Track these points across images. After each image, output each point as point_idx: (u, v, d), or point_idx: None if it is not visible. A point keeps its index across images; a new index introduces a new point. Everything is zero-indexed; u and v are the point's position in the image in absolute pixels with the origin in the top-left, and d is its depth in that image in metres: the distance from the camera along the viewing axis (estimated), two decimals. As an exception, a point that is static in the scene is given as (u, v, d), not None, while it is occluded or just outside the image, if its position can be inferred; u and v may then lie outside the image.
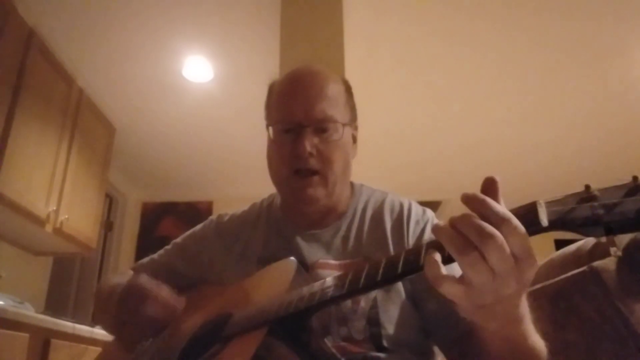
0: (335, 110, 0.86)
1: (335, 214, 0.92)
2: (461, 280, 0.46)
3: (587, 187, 0.45)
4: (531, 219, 0.46)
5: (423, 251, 0.53)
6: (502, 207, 0.45)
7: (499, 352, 0.60)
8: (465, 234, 0.45)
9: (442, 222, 0.47)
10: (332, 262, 0.85)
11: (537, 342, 0.60)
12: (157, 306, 0.80)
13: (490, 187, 0.48)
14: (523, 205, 0.47)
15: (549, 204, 0.46)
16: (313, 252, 0.87)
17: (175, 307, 0.81)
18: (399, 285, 0.81)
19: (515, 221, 0.44)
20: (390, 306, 0.80)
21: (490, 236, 0.44)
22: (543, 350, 0.62)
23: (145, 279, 0.83)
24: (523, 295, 0.51)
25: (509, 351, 0.59)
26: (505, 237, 0.44)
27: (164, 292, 0.82)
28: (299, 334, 0.69)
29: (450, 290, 0.46)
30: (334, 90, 0.88)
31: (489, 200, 0.46)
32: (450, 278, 0.46)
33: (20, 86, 2.36)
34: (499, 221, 0.44)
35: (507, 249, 0.44)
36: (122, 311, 0.81)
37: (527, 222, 0.46)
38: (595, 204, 0.44)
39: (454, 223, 0.46)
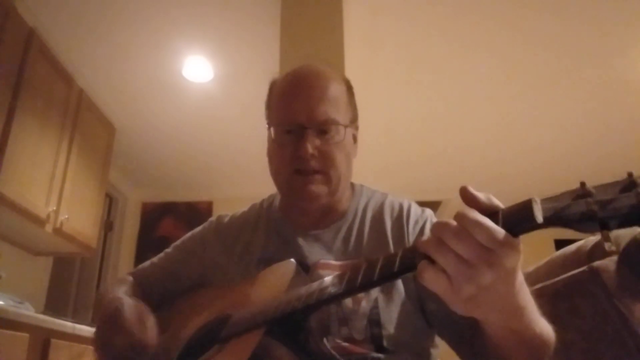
0: (337, 111, 0.86)
1: (336, 214, 0.92)
2: (441, 269, 0.49)
3: (583, 184, 0.46)
4: (526, 215, 0.47)
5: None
6: (465, 210, 0.49)
7: (506, 344, 0.61)
8: (434, 234, 0.49)
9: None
10: (333, 263, 0.85)
11: (545, 328, 0.61)
12: (125, 340, 0.76)
13: (463, 194, 0.51)
14: (519, 203, 0.48)
15: (545, 201, 0.47)
16: (314, 253, 0.87)
17: (146, 343, 0.76)
18: (400, 286, 0.81)
19: (471, 215, 0.47)
20: (392, 307, 0.79)
21: (446, 227, 0.48)
22: (551, 336, 0.62)
23: (127, 309, 0.79)
24: (515, 284, 0.51)
25: (517, 342, 0.60)
26: (468, 228, 0.46)
27: (140, 326, 0.77)
28: (297, 334, 0.69)
29: (432, 279, 0.49)
30: (336, 91, 0.88)
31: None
32: (432, 268, 0.49)
33: (20, 86, 2.36)
34: (457, 217, 0.48)
35: (467, 238, 0.46)
36: (103, 337, 0.80)
37: (523, 218, 0.47)
38: (590, 200, 0.44)
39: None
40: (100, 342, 0.81)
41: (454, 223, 0.47)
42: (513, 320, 0.55)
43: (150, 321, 0.79)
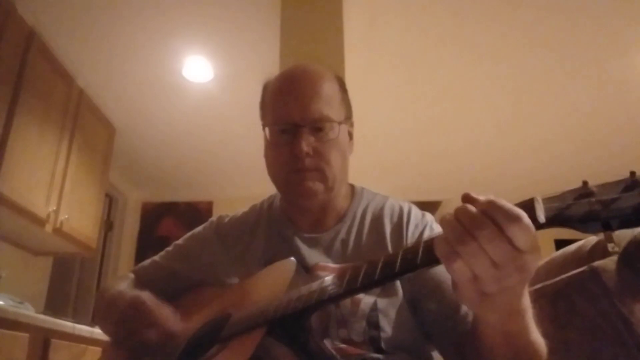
0: (331, 109, 0.86)
1: (335, 215, 0.92)
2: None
3: (585, 183, 0.45)
4: (528, 215, 0.46)
5: (420, 249, 0.54)
6: (509, 204, 0.46)
7: (500, 349, 0.60)
8: (464, 224, 0.45)
9: (449, 213, 0.47)
10: (332, 265, 0.85)
11: (538, 338, 0.60)
12: (155, 331, 0.78)
13: (467, 200, 0.49)
14: (521, 202, 0.48)
15: (547, 200, 0.47)
16: (313, 255, 0.87)
17: (173, 331, 0.79)
18: (399, 288, 0.81)
19: (522, 215, 0.44)
20: (390, 309, 0.79)
21: (485, 226, 0.44)
22: (543, 348, 0.62)
23: (147, 299, 0.81)
24: (525, 287, 0.51)
25: (510, 347, 0.59)
26: (508, 229, 0.44)
27: (164, 314, 0.80)
28: (298, 333, 0.69)
29: (459, 269, 0.46)
30: (329, 88, 0.88)
31: (492, 199, 0.46)
32: (461, 256, 0.46)
33: (20, 86, 2.36)
34: (503, 215, 0.45)
35: (505, 240, 0.44)
36: (122, 329, 0.81)
37: None
38: (593, 200, 0.44)
39: (455, 212, 0.47)
40: (121, 335, 0.81)
41: (492, 226, 0.44)
42: (512, 322, 0.55)
43: (171, 310, 0.81)
